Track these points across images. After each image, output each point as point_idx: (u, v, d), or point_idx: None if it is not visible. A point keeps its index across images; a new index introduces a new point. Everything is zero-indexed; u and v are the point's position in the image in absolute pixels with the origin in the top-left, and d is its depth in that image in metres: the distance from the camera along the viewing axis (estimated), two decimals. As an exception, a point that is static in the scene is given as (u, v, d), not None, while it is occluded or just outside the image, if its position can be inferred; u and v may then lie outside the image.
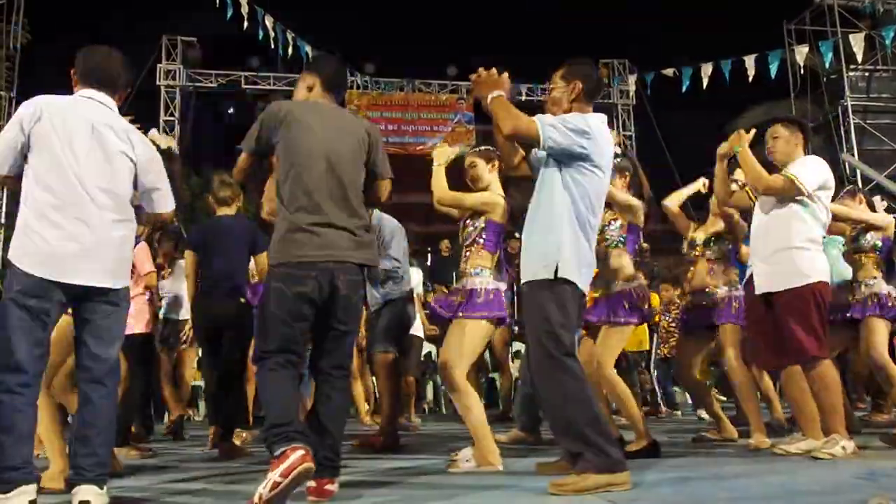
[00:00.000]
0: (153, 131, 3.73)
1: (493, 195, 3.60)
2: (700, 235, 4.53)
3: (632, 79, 16.63)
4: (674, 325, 7.17)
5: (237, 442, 4.62)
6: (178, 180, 3.71)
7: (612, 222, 3.87)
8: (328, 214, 2.69)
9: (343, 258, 2.69)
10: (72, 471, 2.55)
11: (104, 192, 2.64)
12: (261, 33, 12.06)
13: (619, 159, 3.72)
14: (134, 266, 4.15)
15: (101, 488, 2.52)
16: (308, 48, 14.31)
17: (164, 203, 2.86)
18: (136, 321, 4.67)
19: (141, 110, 4.51)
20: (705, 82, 14.78)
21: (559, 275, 2.71)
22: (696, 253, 4.53)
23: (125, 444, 4.33)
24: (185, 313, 5.72)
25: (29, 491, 2.42)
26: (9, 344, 2.45)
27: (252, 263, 4.81)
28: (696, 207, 4.90)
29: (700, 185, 4.55)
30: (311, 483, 2.56)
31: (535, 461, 3.37)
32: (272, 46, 13.46)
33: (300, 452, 2.37)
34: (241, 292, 4.63)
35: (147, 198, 2.82)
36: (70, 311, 2.72)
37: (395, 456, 4.16)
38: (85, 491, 2.48)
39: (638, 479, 2.72)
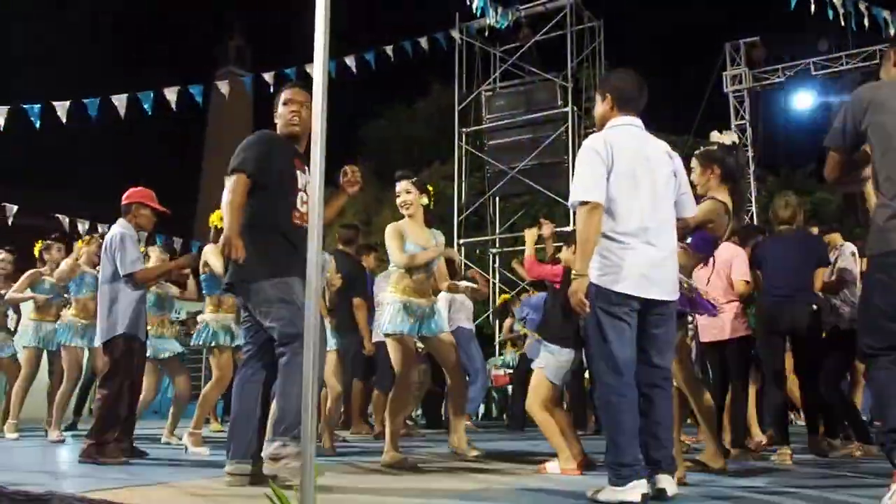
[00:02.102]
0: (714, 133, 3.80)
1: None
2: None
3: None
4: None
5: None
6: (741, 176, 3.78)
7: None
8: None
9: None
10: (649, 464, 2.83)
11: (667, 210, 2.93)
12: (829, 13, 11.04)
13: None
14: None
15: (673, 477, 2.86)
16: (885, 14, 12.42)
17: (689, 208, 3.11)
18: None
19: (711, 120, 4.66)
20: None
21: None
22: None
23: None
24: None
25: (641, 485, 2.70)
26: (612, 350, 2.79)
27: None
28: None
29: None
30: None
31: None
32: (842, 24, 12.12)
33: None
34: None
35: (680, 205, 3.03)
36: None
37: None
38: (662, 479, 2.79)
39: None
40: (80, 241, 6.42)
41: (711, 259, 3.87)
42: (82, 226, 9.16)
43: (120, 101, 7.56)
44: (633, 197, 2.85)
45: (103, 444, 4.22)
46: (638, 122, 3.01)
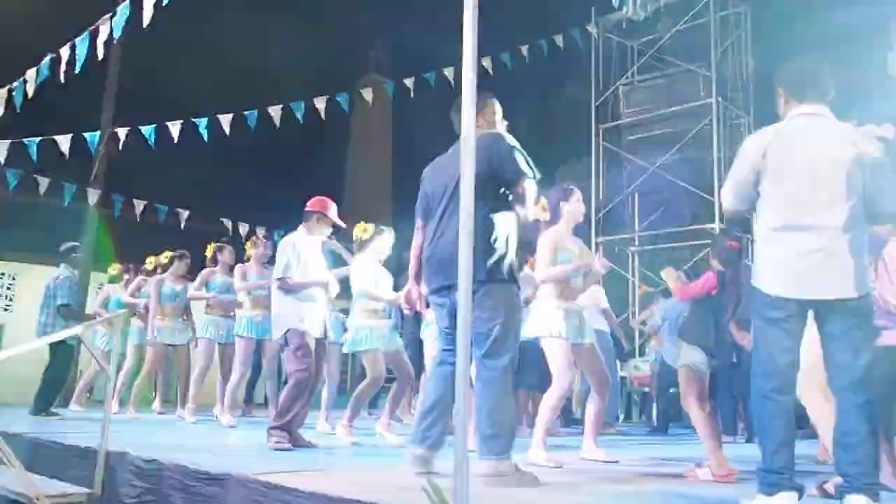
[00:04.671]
0: (869, 126, 3.51)
1: None
2: None
3: None
4: None
5: None
6: None
7: None
8: None
9: None
10: (842, 479, 2.59)
11: (839, 204, 2.67)
12: None
13: None
14: None
15: (874, 498, 2.49)
16: None
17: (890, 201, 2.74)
18: None
19: (876, 111, 4.28)
20: None
21: None
22: None
23: None
24: None
25: (792, 497, 2.55)
26: (767, 353, 2.68)
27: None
28: None
29: None
30: None
31: None
32: None
33: None
34: None
35: (876, 196, 2.73)
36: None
37: None
38: (855, 500, 2.50)
39: None
40: (247, 243, 6.98)
41: (881, 260, 3.55)
42: (244, 229, 9.88)
43: (275, 111, 8.11)
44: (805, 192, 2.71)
45: (290, 430, 4.54)
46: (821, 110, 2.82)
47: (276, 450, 4.38)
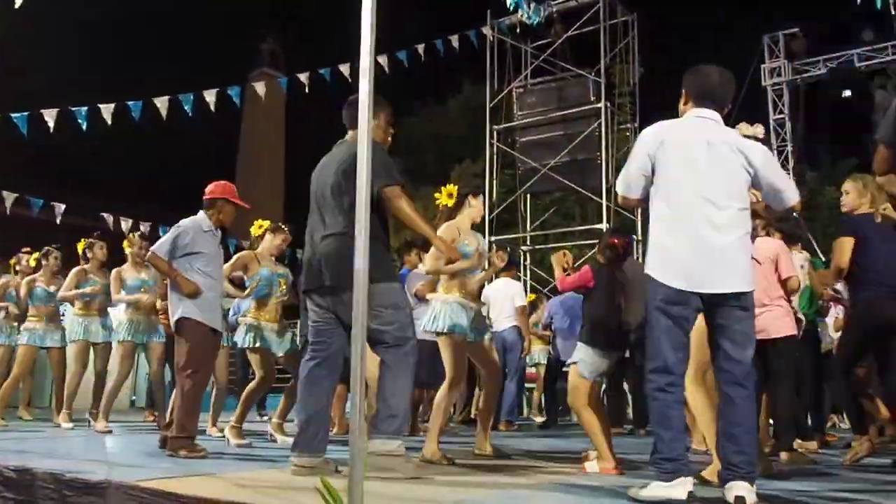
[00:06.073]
0: (742, 124, 3.75)
1: None
2: None
3: None
4: None
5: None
6: None
7: None
8: None
9: None
10: (724, 468, 2.72)
11: (727, 205, 2.79)
12: (877, 1, 10.78)
13: None
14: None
15: (752, 485, 2.64)
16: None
17: (792, 196, 2.93)
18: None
19: (748, 113, 4.57)
20: None
21: None
22: None
23: None
24: None
25: (687, 482, 2.67)
26: (663, 347, 2.77)
27: None
28: None
29: None
30: None
31: None
32: (893, 12, 11.80)
33: None
34: None
35: (775, 198, 2.92)
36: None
37: None
38: (738, 487, 2.63)
39: None
40: (125, 241, 6.59)
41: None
42: (126, 224, 9.39)
43: (162, 102, 7.75)
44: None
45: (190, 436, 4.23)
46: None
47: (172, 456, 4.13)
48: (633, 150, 3.01)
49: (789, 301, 4.53)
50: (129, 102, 7.51)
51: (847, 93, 16.03)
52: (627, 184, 2.97)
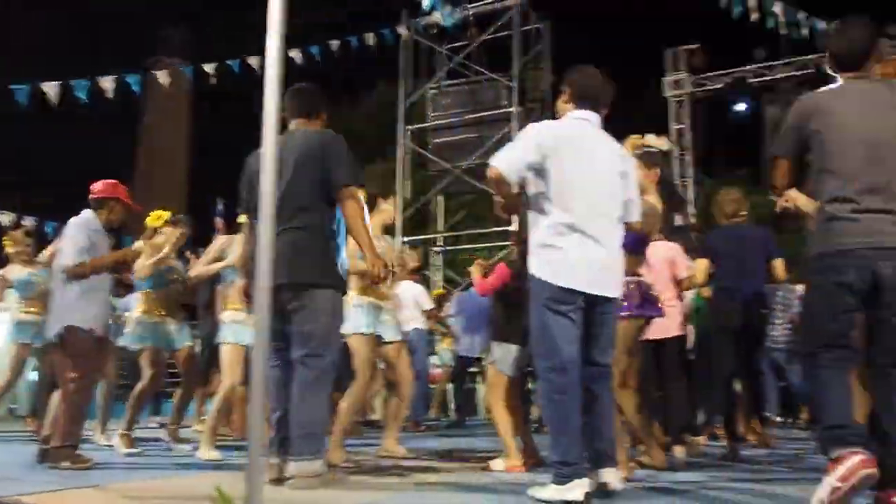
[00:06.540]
0: (650, 136, 3.86)
1: None
2: None
3: None
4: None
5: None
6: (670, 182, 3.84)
7: None
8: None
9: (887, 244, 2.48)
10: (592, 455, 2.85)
11: (611, 208, 2.91)
12: (770, 22, 11.44)
13: None
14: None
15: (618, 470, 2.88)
16: (823, 24, 12.94)
17: (636, 213, 3.05)
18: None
19: (650, 124, 4.72)
20: None
21: None
22: None
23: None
24: None
25: (584, 484, 2.70)
26: (558, 346, 2.77)
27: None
28: None
29: None
30: (879, 493, 2.41)
31: None
32: (781, 33, 12.57)
33: (858, 457, 2.28)
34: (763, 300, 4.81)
35: (626, 208, 3.00)
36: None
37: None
38: (605, 473, 2.81)
39: None
40: (5, 239, 6.07)
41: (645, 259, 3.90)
42: (7, 218, 8.74)
43: (51, 87, 7.24)
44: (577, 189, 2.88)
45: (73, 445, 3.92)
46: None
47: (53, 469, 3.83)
48: (522, 136, 2.96)
49: (681, 300, 4.75)
50: (14, 87, 6.99)
51: (742, 106, 16.98)
52: (510, 163, 2.89)
